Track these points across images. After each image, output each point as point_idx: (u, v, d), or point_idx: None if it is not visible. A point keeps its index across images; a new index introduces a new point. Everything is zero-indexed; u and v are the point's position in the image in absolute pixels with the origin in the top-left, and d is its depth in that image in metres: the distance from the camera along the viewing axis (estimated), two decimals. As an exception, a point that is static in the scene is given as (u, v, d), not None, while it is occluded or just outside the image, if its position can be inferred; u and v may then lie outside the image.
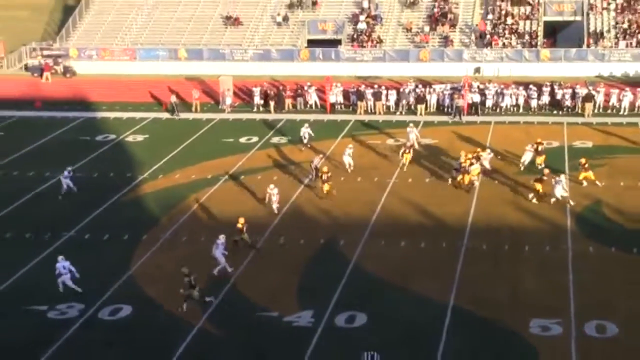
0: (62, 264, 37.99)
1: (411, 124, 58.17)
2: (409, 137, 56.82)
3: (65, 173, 50.08)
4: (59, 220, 45.73)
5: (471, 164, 49.87)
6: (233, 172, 53.22)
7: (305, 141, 57.24)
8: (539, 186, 47.16)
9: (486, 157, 51.86)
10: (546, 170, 48.66)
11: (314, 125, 59.12)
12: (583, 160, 49.96)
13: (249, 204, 47.50)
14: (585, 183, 48.98)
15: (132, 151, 58.41)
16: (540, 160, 51.85)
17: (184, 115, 66.53)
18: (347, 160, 52.48)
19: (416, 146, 56.14)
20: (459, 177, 49.53)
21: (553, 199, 46.36)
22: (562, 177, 47.45)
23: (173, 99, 67.53)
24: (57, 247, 42.72)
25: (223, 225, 44.54)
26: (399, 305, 36.48)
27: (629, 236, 42.83)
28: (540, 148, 52.45)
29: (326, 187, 47.94)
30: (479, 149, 53.25)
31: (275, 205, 46.26)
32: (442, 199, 48.06)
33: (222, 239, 39.64)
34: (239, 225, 41.57)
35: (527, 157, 52.04)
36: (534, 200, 46.88)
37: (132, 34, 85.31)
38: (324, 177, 48.27)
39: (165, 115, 66.66)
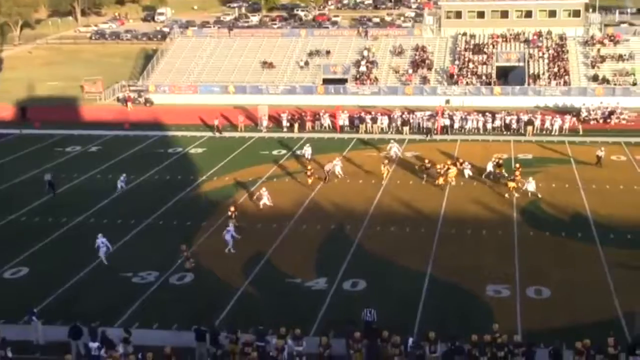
0: (101, 240, 38.18)
1: (392, 140, 58.39)
2: (390, 150, 56.84)
3: (122, 177, 50.52)
4: (141, 210, 45.69)
5: (448, 168, 49.67)
6: (268, 176, 53.07)
7: (307, 157, 56.19)
8: (512, 184, 47.31)
9: (467, 166, 51.47)
10: (517, 173, 48.58)
11: (313, 145, 58.25)
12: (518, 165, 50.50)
13: (281, 199, 47.33)
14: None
15: (194, 160, 58.31)
16: (499, 170, 51.46)
17: (231, 134, 66.32)
18: (338, 170, 52.09)
19: (400, 156, 56.14)
20: (439, 180, 49.08)
21: (516, 195, 46.91)
22: (531, 178, 47.62)
23: (216, 122, 67.43)
24: (139, 230, 42.75)
25: (261, 215, 44.64)
26: (390, 274, 36.41)
27: (559, 224, 42.80)
28: (500, 162, 52.09)
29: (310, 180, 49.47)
30: (460, 159, 52.99)
31: (263, 202, 45.96)
32: (422, 196, 47.84)
33: (231, 225, 39.85)
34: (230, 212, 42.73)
35: (489, 168, 51.65)
36: (508, 195, 46.99)
37: (194, 75, 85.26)
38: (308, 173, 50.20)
39: (219, 133, 66.44)
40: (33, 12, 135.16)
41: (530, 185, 47.22)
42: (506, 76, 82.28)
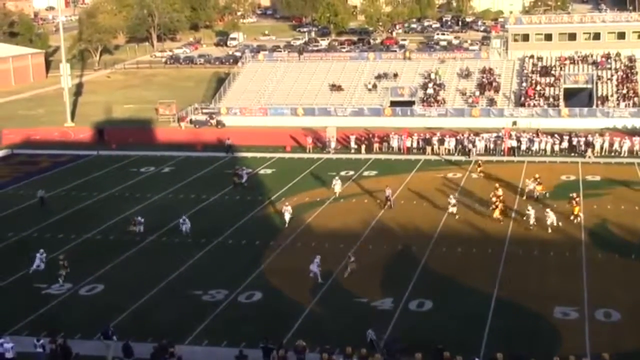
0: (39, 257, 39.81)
1: (336, 177, 54.20)
2: (334, 187, 52.70)
3: (181, 220, 45.99)
4: (210, 230, 45.93)
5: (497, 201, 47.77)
6: (336, 197, 52.94)
7: (336, 191, 52.71)
8: (577, 209, 45.96)
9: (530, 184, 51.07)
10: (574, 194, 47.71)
11: (343, 180, 55.62)
12: (574, 195, 48.11)
13: (348, 219, 47.18)
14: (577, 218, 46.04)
15: (263, 180, 58.55)
16: (540, 188, 50.67)
17: (300, 155, 66.44)
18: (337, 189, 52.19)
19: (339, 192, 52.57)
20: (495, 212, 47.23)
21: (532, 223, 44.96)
22: (549, 209, 45.66)
23: (228, 141, 67.87)
24: (209, 249, 42.96)
25: (328, 235, 44.51)
26: (456, 294, 35.90)
27: (628, 246, 41.73)
28: (539, 181, 51.30)
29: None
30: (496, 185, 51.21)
31: (287, 217, 46.34)
32: (487, 219, 47.01)
33: (317, 258, 38.42)
34: None
35: (530, 187, 50.96)
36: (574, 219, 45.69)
37: (264, 98, 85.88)
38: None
39: (288, 155, 66.66)
40: (112, 38, 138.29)
41: (550, 216, 44.66)
42: (573, 98, 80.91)
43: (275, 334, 31.09)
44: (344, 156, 65.59)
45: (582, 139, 64.21)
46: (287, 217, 46.60)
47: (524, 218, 45.47)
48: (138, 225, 45.93)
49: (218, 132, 74.94)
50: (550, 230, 43.81)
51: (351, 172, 59.73)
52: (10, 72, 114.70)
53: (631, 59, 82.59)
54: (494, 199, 47.38)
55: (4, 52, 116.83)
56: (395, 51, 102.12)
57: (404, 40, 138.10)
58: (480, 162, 59.34)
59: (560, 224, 44.28)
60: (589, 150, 62.69)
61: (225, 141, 68.61)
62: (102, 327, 31.41)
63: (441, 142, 65.33)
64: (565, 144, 64.13)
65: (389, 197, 49.75)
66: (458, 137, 66.09)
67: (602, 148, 63.52)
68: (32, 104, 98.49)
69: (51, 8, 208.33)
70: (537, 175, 52.47)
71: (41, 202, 52.21)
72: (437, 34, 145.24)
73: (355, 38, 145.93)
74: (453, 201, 47.88)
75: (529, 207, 45.79)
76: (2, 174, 62.66)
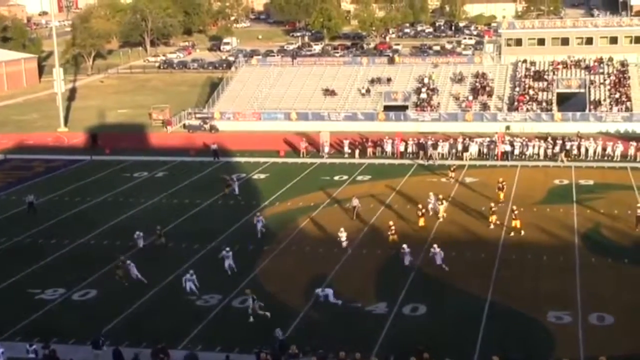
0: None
1: (258, 213, 48.03)
2: (257, 225, 46.02)
3: (224, 252, 40.67)
4: (204, 234, 45.80)
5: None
6: (329, 201, 52.93)
7: (354, 211, 48.86)
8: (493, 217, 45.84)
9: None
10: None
11: (361, 199, 51.60)
12: (492, 204, 47.42)
13: (342, 224, 47.13)
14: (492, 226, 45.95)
15: (257, 185, 58.50)
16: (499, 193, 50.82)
17: (294, 160, 66.42)
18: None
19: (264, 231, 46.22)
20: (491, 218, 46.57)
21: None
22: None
23: (214, 146, 67.87)
24: (203, 254, 42.86)
25: (322, 239, 44.46)
26: (450, 299, 35.90)
27: (620, 250, 41.76)
28: (501, 186, 51.26)
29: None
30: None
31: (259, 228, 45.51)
32: (482, 220, 47.00)
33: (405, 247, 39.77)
34: None
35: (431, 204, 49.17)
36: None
37: (258, 102, 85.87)
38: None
39: (282, 159, 66.63)
40: (105, 43, 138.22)
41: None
42: (566, 102, 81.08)
43: (268, 339, 31.08)
44: (337, 161, 65.59)
45: (575, 143, 64.31)
46: (258, 227, 45.47)
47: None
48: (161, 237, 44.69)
49: (212, 137, 74.78)
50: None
51: (345, 177, 59.73)
52: (3, 77, 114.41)
53: (623, 64, 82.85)
54: (492, 204, 47.11)
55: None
56: (389, 55, 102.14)
57: (397, 45, 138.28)
58: (454, 167, 58.93)
59: (517, 233, 44.25)
60: (562, 154, 62.66)
61: (211, 146, 68.61)
62: (93, 335, 31.19)
63: (435, 146, 65.40)
64: (558, 149, 64.16)
65: (355, 207, 48.72)
66: (451, 142, 66.16)
67: (595, 152, 63.65)
68: (25, 109, 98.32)
69: (44, 13, 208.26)
70: (501, 179, 52.28)
71: (28, 208, 51.91)
72: (464, 38, 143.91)
73: (348, 43, 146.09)
74: (431, 205, 47.97)
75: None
76: (-5, 179, 62.61)
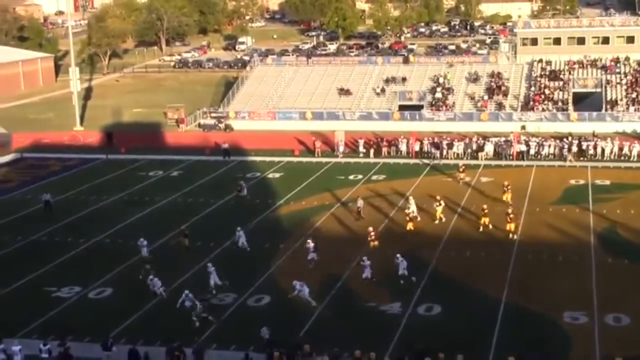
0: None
1: (238, 228, 44.22)
2: (238, 241, 43.78)
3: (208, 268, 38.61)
4: (219, 232, 45.88)
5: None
6: (344, 200, 52.89)
7: (360, 211, 48.66)
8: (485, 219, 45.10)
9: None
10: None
11: (376, 197, 53.20)
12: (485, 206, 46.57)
13: (355, 223, 47.09)
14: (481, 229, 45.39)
15: (271, 184, 58.57)
16: (505, 196, 49.95)
17: (308, 159, 66.43)
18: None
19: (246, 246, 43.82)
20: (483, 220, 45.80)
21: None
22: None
23: (225, 145, 67.98)
24: (217, 253, 42.91)
25: (338, 238, 44.42)
26: (465, 299, 35.80)
27: (637, 250, 41.48)
28: (506, 189, 50.51)
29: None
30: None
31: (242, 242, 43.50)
32: (497, 220, 46.76)
33: (365, 260, 38.15)
34: None
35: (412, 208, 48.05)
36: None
37: (273, 102, 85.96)
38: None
39: (296, 158, 66.64)
40: (121, 42, 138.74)
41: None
42: (582, 102, 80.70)
43: (283, 337, 31.09)
44: (352, 160, 65.54)
45: (591, 143, 64.00)
46: (240, 242, 43.38)
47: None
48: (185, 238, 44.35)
49: (224, 136, 74.80)
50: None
51: (360, 176, 59.67)
52: (20, 76, 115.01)
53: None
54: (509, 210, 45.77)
55: (14, 57, 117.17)
56: (404, 55, 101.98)
57: (412, 44, 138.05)
58: (462, 167, 58.06)
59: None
60: (570, 154, 62.38)
61: (222, 145, 68.74)
62: (103, 341, 31.09)
63: (450, 146, 65.25)
64: (574, 148, 63.86)
65: (359, 208, 48.57)
66: (466, 141, 65.98)
67: (611, 152, 63.30)
68: (42, 108, 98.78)
69: (61, 12, 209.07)
70: (506, 182, 51.63)
71: (45, 206, 52.19)
72: (488, 37, 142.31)
73: (363, 42, 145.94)
74: (413, 208, 47.19)
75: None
76: (12, 178, 62.91)
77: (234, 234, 43.62)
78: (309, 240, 41.61)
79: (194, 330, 33.02)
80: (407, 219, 46.10)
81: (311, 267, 39.62)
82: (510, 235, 43.93)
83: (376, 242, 42.54)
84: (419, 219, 46.86)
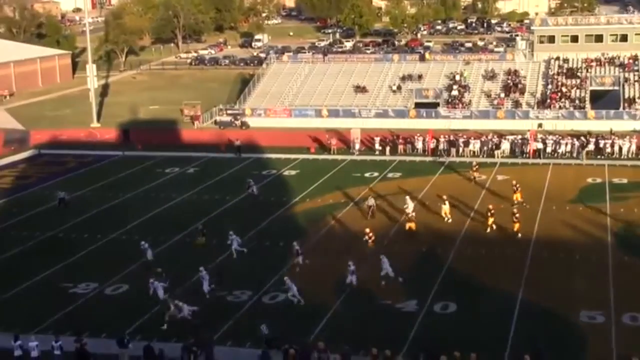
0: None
1: (231, 232, 43.03)
2: (231, 245, 42.78)
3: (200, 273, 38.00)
4: (235, 231, 45.82)
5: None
6: (360, 198, 52.84)
7: (369, 211, 48.50)
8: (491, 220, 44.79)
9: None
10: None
11: (376, 199, 51.30)
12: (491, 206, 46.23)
13: (372, 221, 47.04)
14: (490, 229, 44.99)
15: (287, 182, 58.60)
16: (516, 196, 49.47)
17: (324, 156, 66.39)
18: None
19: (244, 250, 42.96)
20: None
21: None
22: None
23: (237, 142, 68.13)
24: (230, 252, 42.91)
25: (353, 236, 44.37)
26: (481, 297, 35.69)
27: (655, 250, 41.26)
28: (515, 189, 49.96)
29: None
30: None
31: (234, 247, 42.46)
32: (513, 218, 46.61)
33: (351, 265, 37.65)
34: None
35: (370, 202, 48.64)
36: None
37: (289, 99, 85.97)
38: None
39: (312, 156, 66.62)
40: (138, 39, 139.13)
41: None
42: (599, 100, 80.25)
43: (299, 334, 31.12)
44: (368, 158, 65.45)
45: (609, 141, 63.58)
46: (233, 247, 42.45)
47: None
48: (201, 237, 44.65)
49: (238, 133, 74.84)
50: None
51: (375, 174, 59.60)
52: (37, 73, 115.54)
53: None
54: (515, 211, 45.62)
55: (32, 53, 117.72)
56: (420, 52, 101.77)
57: (429, 42, 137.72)
58: (476, 166, 57.51)
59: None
60: (583, 152, 62.07)
61: (235, 142, 68.78)
62: (118, 338, 31.09)
63: (466, 144, 65.05)
64: (591, 146, 63.50)
65: (371, 207, 48.44)
66: (483, 139, 65.74)
67: (629, 150, 62.87)
68: (59, 105, 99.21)
69: (78, 10, 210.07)
70: (514, 182, 51.18)
71: (59, 203, 52.43)
72: (515, 35, 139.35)
73: (379, 39, 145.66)
74: (409, 209, 46.69)
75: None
76: (29, 174, 63.27)
77: (227, 237, 42.47)
78: (294, 243, 41.13)
79: (210, 327, 33.07)
80: (406, 218, 46.00)
81: (298, 271, 39.42)
82: (519, 235, 43.72)
83: (372, 244, 42.42)
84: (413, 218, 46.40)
